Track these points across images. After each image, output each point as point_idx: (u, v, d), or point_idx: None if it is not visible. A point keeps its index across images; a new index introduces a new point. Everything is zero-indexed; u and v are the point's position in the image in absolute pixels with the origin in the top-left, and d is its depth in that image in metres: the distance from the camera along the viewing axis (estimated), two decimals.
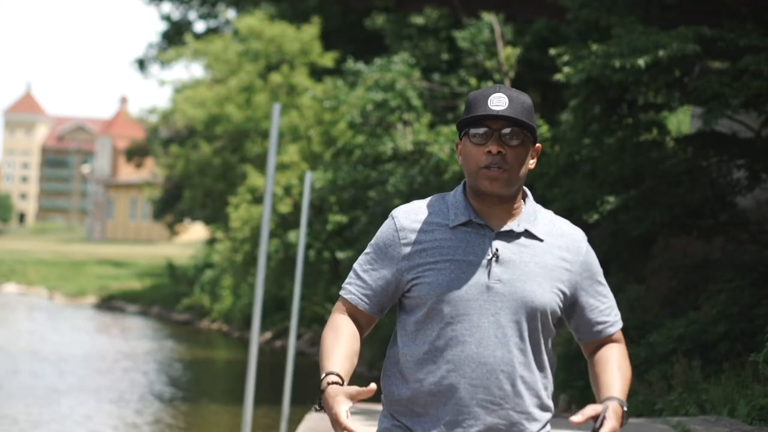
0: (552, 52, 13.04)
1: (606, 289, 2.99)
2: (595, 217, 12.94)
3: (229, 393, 18.60)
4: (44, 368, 20.63)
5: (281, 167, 25.44)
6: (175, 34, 37.86)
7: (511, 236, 2.87)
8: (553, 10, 16.45)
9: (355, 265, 2.97)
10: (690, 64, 11.38)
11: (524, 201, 2.93)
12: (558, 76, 12.12)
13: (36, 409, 15.81)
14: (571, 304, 2.94)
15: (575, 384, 12.15)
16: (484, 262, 2.84)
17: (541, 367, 2.89)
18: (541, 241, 2.89)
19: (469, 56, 18.67)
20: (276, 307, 27.15)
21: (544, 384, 2.90)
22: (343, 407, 2.72)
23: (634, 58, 10.88)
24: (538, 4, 17.59)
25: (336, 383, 2.78)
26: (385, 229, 2.94)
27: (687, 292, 12.83)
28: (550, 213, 2.97)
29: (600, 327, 2.97)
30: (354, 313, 2.95)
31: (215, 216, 32.82)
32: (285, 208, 24.76)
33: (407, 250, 2.88)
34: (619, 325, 3.01)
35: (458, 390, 2.82)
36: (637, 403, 10.54)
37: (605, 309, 2.98)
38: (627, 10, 12.61)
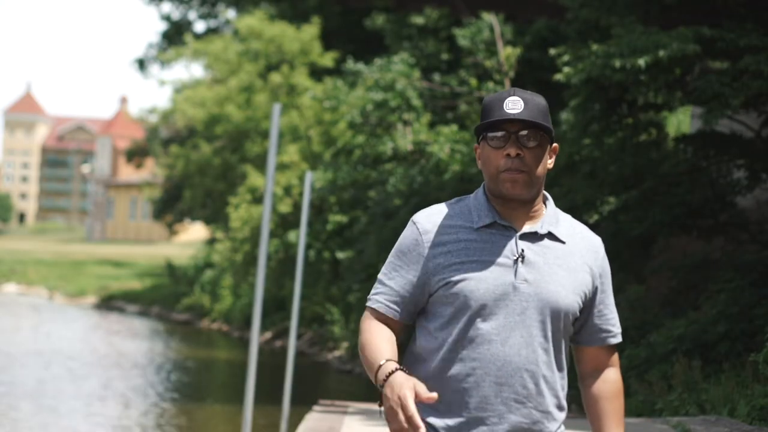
0: (552, 52, 13.03)
1: (613, 300, 3.04)
2: (595, 217, 12.93)
3: (229, 393, 18.60)
4: (43, 368, 20.63)
5: (281, 167, 25.44)
6: (175, 34, 37.86)
7: (535, 237, 2.91)
8: (553, 10, 16.46)
9: (380, 275, 2.97)
10: (690, 64, 11.38)
11: (545, 204, 2.97)
12: (558, 76, 12.12)
13: (35, 409, 15.81)
14: (585, 307, 2.97)
15: (575, 384, 12.12)
16: (510, 262, 2.87)
17: (560, 367, 2.93)
18: (564, 243, 2.93)
19: (469, 56, 18.67)
20: (276, 307, 27.14)
21: (562, 384, 2.95)
22: (411, 394, 2.65)
23: (634, 58, 10.87)
24: (538, 4, 17.59)
25: (402, 370, 2.73)
26: (408, 234, 2.95)
27: (687, 292, 12.83)
28: (569, 217, 3.02)
29: (604, 335, 3.01)
30: (385, 322, 2.94)
31: (215, 216, 32.83)
32: (285, 208, 24.75)
33: (433, 252, 2.89)
34: (620, 338, 3.06)
35: (483, 387, 2.84)
36: (637, 403, 10.54)
37: (612, 318, 3.03)
38: (627, 10, 12.60)
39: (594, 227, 14.16)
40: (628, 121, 12.76)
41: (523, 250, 2.87)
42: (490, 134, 2.87)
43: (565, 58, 12.12)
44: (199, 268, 37.43)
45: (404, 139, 18.12)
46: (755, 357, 8.90)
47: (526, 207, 2.91)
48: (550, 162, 2.93)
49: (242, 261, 26.50)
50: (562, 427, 2.97)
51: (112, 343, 27.27)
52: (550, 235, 2.92)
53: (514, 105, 2.85)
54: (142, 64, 38.81)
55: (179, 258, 44.11)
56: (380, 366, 2.77)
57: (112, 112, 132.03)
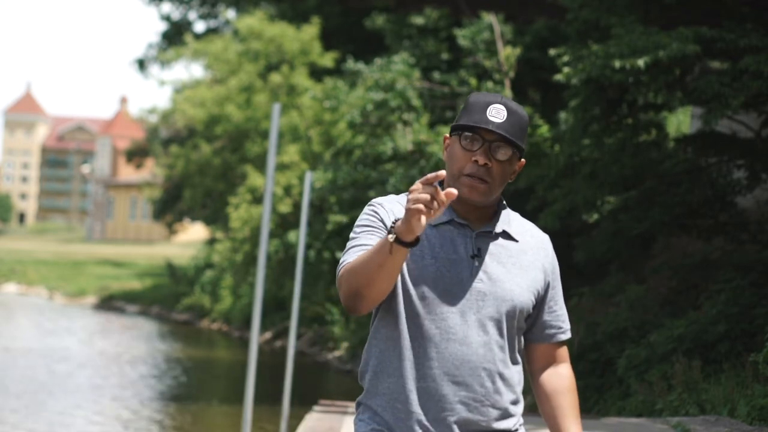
0: (552, 52, 13.03)
1: (562, 297, 3.06)
2: (595, 217, 12.92)
3: (229, 393, 18.60)
4: (44, 368, 20.63)
5: (281, 167, 25.44)
6: (175, 34, 37.83)
7: (490, 236, 2.92)
8: (553, 10, 16.45)
9: (349, 243, 2.89)
10: (690, 64, 11.37)
11: (498, 204, 2.98)
12: (558, 77, 12.11)
13: (34, 409, 15.81)
14: (536, 304, 2.99)
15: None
16: (467, 260, 2.87)
17: (515, 362, 2.94)
18: (517, 241, 2.95)
19: (469, 56, 18.67)
20: (276, 307, 27.15)
21: (518, 379, 2.95)
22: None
23: (634, 59, 10.87)
24: (538, 4, 17.60)
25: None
26: (369, 212, 2.90)
27: (687, 292, 12.83)
28: (518, 215, 3.04)
29: (554, 331, 3.02)
30: None
31: (215, 216, 32.84)
32: (285, 208, 24.76)
33: None
34: (569, 334, 3.06)
35: (441, 387, 2.84)
36: (637, 403, 10.54)
37: (561, 315, 3.04)
38: (627, 10, 12.59)
39: (594, 227, 14.18)
40: (628, 121, 12.75)
41: (479, 249, 2.88)
42: (465, 134, 2.84)
43: (565, 58, 12.12)
44: (199, 269, 37.46)
45: (404, 139, 18.12)
46: (755, 357, 8.91)
47: (481, 208, 2.92)
48: (512, 176, 2.92)
49: (242, 261, 26.50)
50: (521, 423, 2.97)
51: (111, 343, 27.27)
52: (505, 234, 2.94)
53: (497, 113, 2.83)
54: (142, 64, 38.79)
55: (179, 258, 44.13)
56: (386, 236, 2.64)
57: (112, 112, 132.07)
